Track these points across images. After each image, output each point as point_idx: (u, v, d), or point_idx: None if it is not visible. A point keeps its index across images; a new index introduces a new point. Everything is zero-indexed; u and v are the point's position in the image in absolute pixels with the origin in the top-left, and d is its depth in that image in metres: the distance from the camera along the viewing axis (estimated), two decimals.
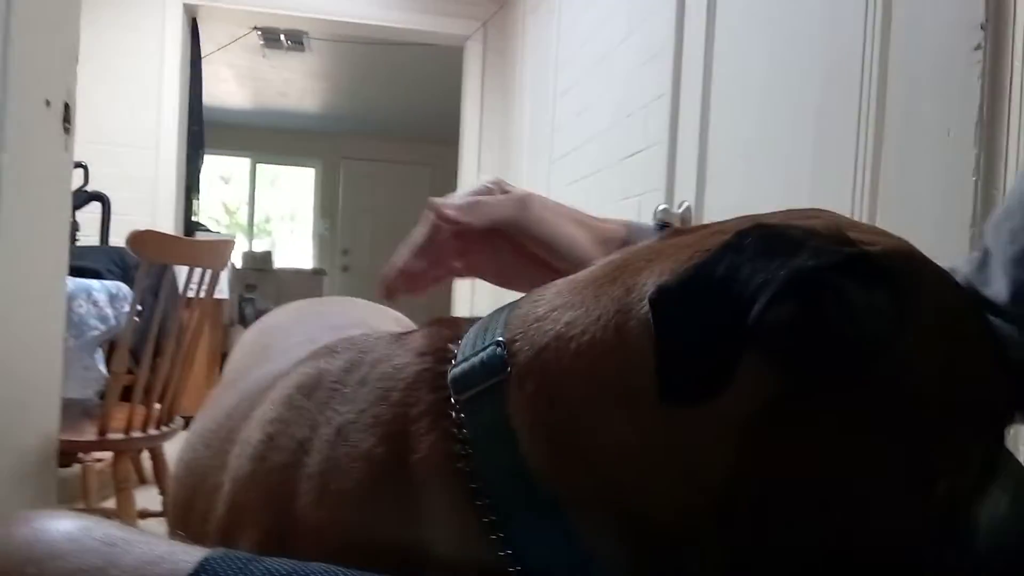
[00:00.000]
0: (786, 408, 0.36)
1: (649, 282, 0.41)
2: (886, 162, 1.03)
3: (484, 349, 0.44)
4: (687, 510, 0.38)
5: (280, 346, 0.68)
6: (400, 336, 0.52)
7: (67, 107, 0.94)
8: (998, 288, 0.43)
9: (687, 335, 0.35)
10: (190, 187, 4.20)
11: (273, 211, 8.56)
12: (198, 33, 4.20)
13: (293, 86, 6.55)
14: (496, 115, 4.20)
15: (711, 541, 0.39)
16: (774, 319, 0.34)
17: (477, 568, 0.41)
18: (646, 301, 0.39)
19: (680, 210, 1.72)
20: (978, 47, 0.84)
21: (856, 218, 1.08)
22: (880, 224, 1.03)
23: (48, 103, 0.90)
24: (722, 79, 1.63)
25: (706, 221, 1.73)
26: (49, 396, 1.06)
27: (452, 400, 0.44)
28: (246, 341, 0.85)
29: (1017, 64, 0.80)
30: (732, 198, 1.55)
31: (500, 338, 0.44)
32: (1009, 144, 0.81)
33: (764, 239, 0.36)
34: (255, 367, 0.65)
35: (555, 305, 0.45)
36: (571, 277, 0.47)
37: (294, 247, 8.35)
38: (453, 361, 0.46)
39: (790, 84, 1.32)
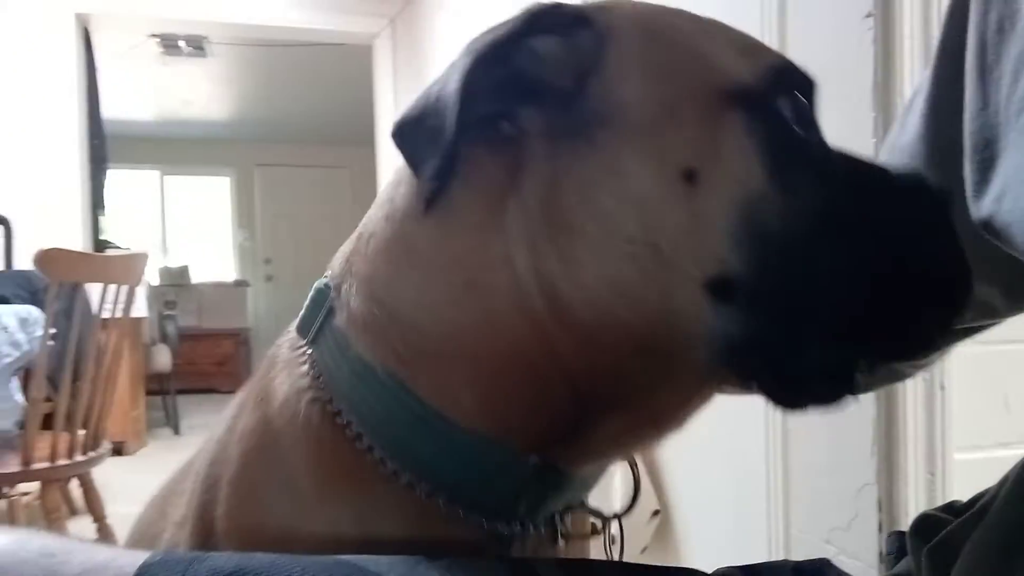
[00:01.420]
0: (532, 167, 0.39)
1: None
2: None
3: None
4: (505, 331, 0.39)
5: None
6: None
7: None
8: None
9: (418, 145, 0.38)
10: (96, 204, 4.02)
11: (188, 224, 8.27)
12: (91, 44, 4.02)
13: (198, 93, 6.34)
14: None
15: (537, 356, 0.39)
16: (485, 97, 0.38)
17: (373, 492, 0.41)
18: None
19: None
20: (869, 15, 0.89)
21: None
22: None
23: None
24: None
25: None
26: None
27: (301, 351, 0.45)
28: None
29: (906, 29, 0.86)
30: None
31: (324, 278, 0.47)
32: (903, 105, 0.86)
33: (471, 44, 0.39)
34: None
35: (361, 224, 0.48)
36: None
37: (213, 260, 8.09)
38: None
39: None
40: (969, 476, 0.92)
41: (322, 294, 0.46)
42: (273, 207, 7.85)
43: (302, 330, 0.46)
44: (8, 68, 3.58)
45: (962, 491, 0.96)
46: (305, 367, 0.44)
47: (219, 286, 7.22)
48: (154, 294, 5.29)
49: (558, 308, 0.38)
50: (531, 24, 0.39)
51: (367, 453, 0.41)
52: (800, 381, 0.39)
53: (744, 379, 0.40)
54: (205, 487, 0.47)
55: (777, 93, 0.40)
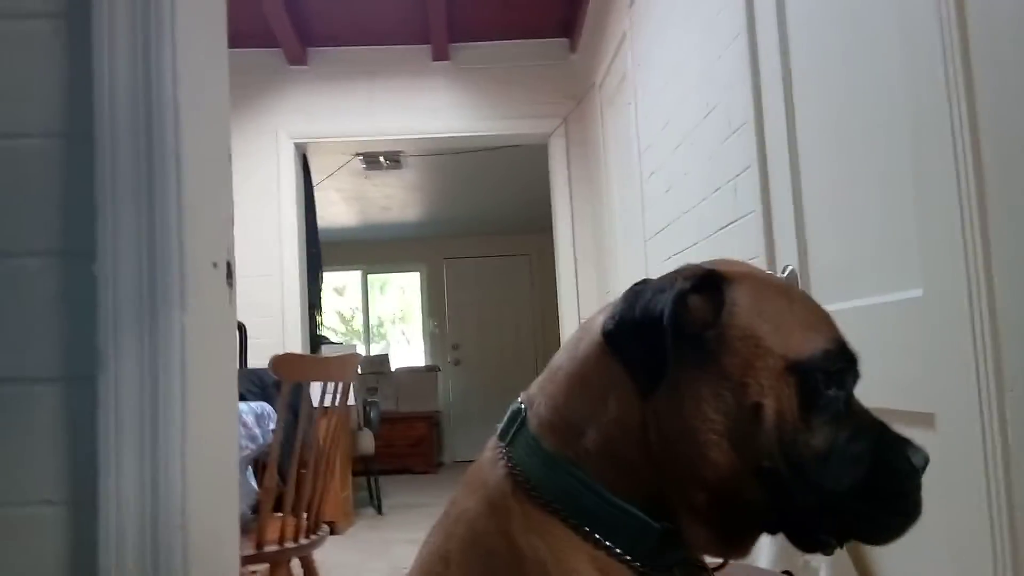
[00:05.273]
0: (677, 372, 0.61)
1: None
2: (994, 213, 1.02)
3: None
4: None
5: None
6: None
7: (229, 265, 1.09)
8: None
9: (632, 351, 0.62)
10: (312, 304, 4.50)
11: (384, 315, 8.94)
12: (308, 166, 4.59)
13: (394, 200, 6.95)
14: (585, 201, 4.33)
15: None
16: (675, 320, 0.60)
17: (562, 537, 0.61)
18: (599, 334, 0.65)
19: (785, 274, 1.73)
20: None
21: (972, 271, 1.05)
22: (997, 277, 1.00)
23: (215, 264, 1.05)
24: (808, 143, 1.66)
25: (813, 281, 1.68)
26: (230, 534, 1.16)
27: (501, 452, 0.67)
28: None
29: None
30: (835, 256, 1.56)
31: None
32: None
33: (645, 284, 0.65)
34: None
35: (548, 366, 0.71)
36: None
37: (407, 347, 8.65)
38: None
39: (877, 142, 1.35)
40: None
41: (517, 412, 0.68)
42: (460, 296, 8.31)
43: (502, 436, 0.68)
44: (243, 196, 4.16)
45: None
46: (503, 461, 0.66)
47: (413, 371, 7.67)
48: (359, 381, 5.73)
49: (664, 448, 0.62)
50: (694, 285, 0.63)
51: (557, 513, 0.62)
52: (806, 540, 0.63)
53: (769, 526, 0.64)
54: (440, 559, 0.65)
55: (823, 367, 0.61)
